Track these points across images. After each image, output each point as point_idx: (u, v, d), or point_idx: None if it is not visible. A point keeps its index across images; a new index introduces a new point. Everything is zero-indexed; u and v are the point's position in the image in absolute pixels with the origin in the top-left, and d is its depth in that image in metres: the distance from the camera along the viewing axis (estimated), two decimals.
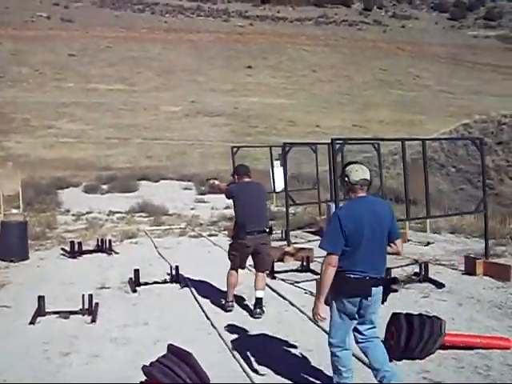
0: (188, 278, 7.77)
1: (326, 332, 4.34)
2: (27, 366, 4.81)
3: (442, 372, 4.52)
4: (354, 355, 4.12)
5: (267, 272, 6.78)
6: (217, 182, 6.91)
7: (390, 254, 4.01)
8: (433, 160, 18.61)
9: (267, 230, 6.29)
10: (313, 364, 4.71)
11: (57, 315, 6.15)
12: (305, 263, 8.15)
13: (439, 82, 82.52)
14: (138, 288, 7.35)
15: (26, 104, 53.48)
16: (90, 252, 9.97)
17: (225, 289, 6.52)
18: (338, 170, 6.28)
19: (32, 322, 5.94)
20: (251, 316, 6.15)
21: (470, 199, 14.88)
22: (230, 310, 6.35)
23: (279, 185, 12.25)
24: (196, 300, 6.83)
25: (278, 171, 12.25)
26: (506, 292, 6.91)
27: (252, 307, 6.25)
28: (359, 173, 3.90)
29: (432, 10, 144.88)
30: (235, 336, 5.50)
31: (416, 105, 63.76)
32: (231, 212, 6.69)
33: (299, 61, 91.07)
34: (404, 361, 4.68)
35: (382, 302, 4.00)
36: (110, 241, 10.30)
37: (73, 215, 15.11)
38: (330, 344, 3.97)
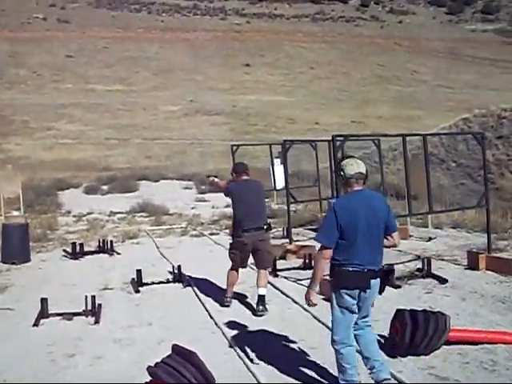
0: (190, 277, 7.76)
1: (329, 329, 4.33)
2: (32, 368, 4.80)
3: (447, 368, 4.51)
4: (357, 351, 4.11)
5: (269, 270, 6.79)
6: (216, 180, 6.93)
7: (386, 246, 4.06)
8: (433, 155, 18.57)
9: (264, 227, 6.30)
10: (317, 362, 4.70)
11: (60, 317, 6.14)
12: (307, 261, 8.14)
13: (437, 77, 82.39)
14: (140, 288, 7.35)
15: (25, 106, 53.44)
16: (92, 253, 9.97)
17: None
18: None
19: (35, 324, 5.94)
20: (254, 314, 6.14)
21: (470, 194, 14.89)
22: (228, 305, 6.39)
23: (280, 182, 12.25)
24: (199, 299, 6.82)
25: (279, 169, 12.25)
26: (510, 286, 6.90)
27: (255, 305, 6.25)
28: (354, 167, 3.96)
29: (429, 4, 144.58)
30: (239, 334, 5.49)
31: (414, 100, 63.70)
32: (231, 210, 6.69)
33: (297, 58, 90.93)
34: (409, 357, 4.68)
35: (380, 293, 4.06)
36: (111, 241, 10.30)
37: (74, 216, 15.11)
38: (334, 341, 3.99)
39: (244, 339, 5.31)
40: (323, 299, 6.40)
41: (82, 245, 9.95)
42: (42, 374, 4.69)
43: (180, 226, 13.06)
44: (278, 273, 7.86)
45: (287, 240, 9.44)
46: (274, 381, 4.40)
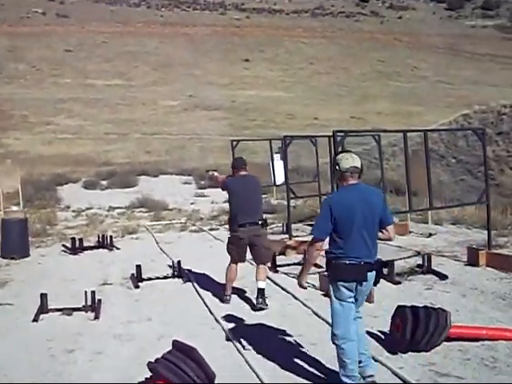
0: (190, 272, 7.75)
1: (329, 324, 4.32)
2: (31, 364, 4.80)
3: (448, 364, 4.50)
4: None
5: (268, 265, 6.79)
6: (216, 174, 6.94)
7: (381, 239, 4.10)
8: (433, 151, 18.55)
9: (260, 222, 6.29)
10: (317, 357, 4.69)
11: (60, 312, 6.13)
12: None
13: (437, 73, 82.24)
14: (140, 284, 7.34)
15: (24, 100, 53.30)
16: (91, 248, 9.95)
17: None
18: None
19: (35, 320, 5.92)
20: (253, 308, 6.14)
21: (470, 190, 14.87)
22: (228, 303, 6.39)
23: (279, 178, 12.23)
24: (199, 294, 6.81)
25: (278, 164, 12.23)
26: (510, 283, 6.89)
27: (254, 300, 6.24)
28: (349, 161, 4.00)
29: (429, 0, 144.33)
30: (238, 329, 5.48)
31: (414, 96, 63.58)
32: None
33: (296, 53, 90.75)
34: (410, 353, 4.67)
35: (375, 284, 4.12)
36: (110, 236, 10.27)
37: (73, 211, 15.08)
38: (334, 336, 4.00)
39: (243, 334, 5.30)
40: (322, 295, 6.41)
41: (81, 240, 9.93)
42: (41, 369, 4.68)
43: (179, 222, 13.04)
44: (278, 268, 7.85)
45: (287, 235, 9.43)
46: (274, 375, 4.40)
